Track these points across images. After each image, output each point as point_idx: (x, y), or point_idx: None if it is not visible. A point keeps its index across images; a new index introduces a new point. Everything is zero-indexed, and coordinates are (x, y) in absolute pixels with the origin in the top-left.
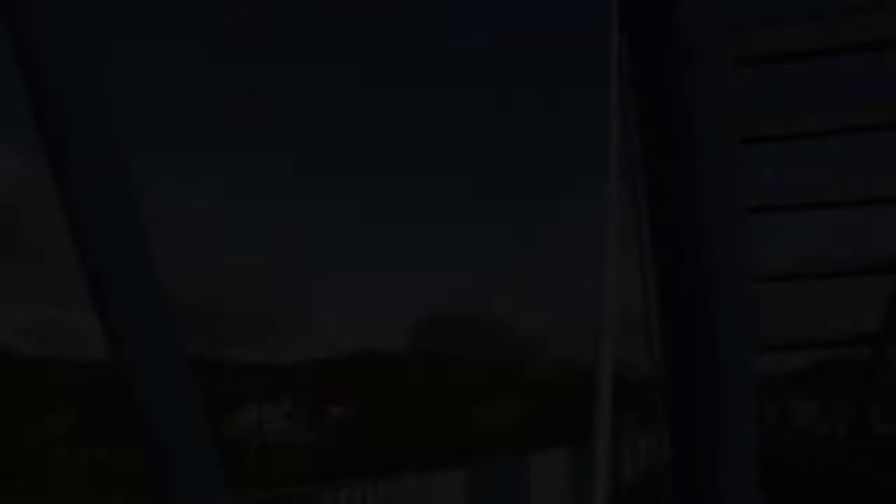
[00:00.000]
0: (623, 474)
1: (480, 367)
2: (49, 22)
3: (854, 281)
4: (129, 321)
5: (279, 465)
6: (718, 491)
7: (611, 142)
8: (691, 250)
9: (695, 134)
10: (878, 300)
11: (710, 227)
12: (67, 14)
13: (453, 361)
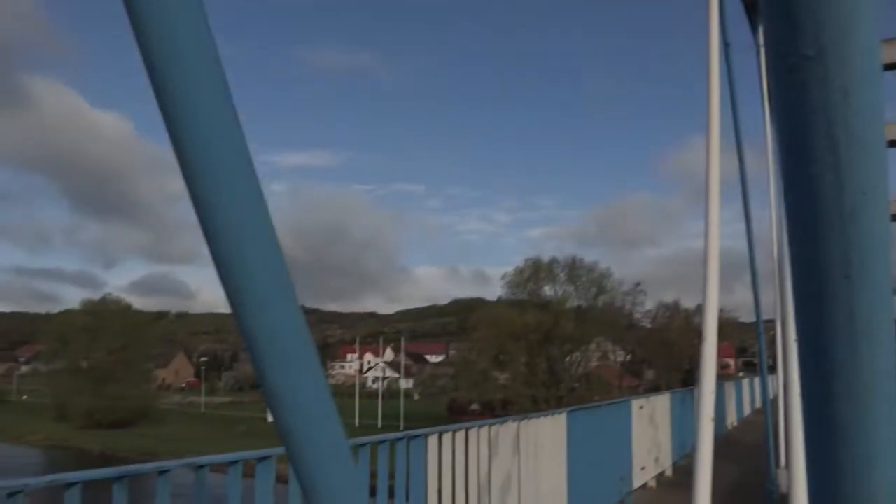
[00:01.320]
0: (726, 417)
1: (580, 311)
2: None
3: None
4: (247, 275)
5: (382, 410)
6: (855, 435)
7: (711, 77)
8: (827, 183)
9: (835, 63)
10: None
11: (850, 158)
12: None
13: (554, 307)
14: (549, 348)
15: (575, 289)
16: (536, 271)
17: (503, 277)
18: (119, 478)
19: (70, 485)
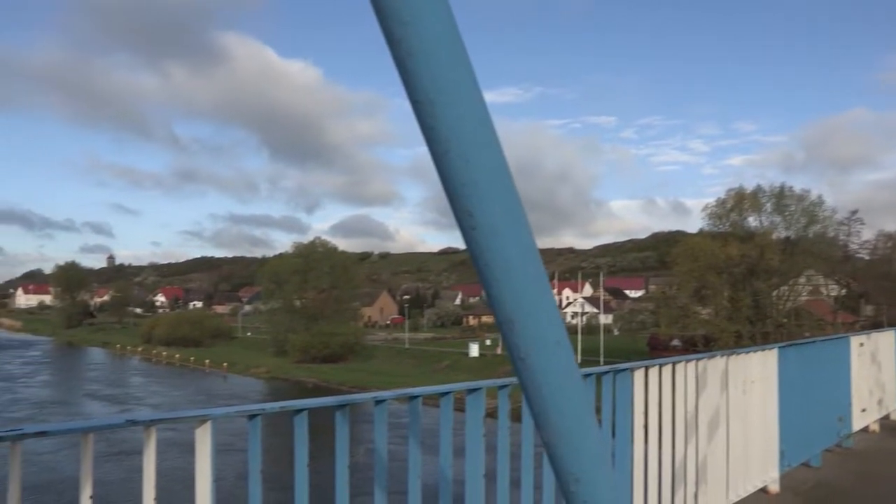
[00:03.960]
0: None
1: (788, 243)
2: None
3: None
4: (479, 200)
5: (581, 346)
6: None
7: None
8: None
9: None
10: None
11: None
12: None
13: (759, 238)
14: (754, 282)
15: (783, 219)
16: (740, 201)
17: (704, 209)
18: (341, 406)
19: (298, 411)
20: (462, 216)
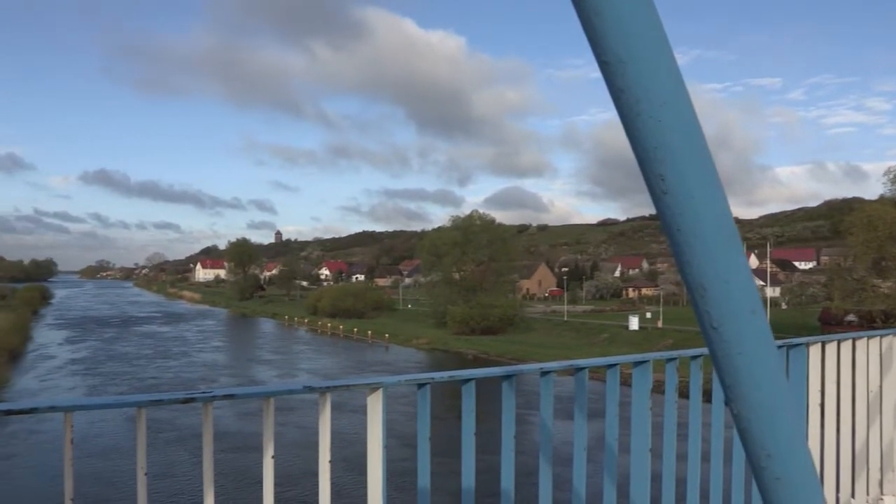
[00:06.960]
0: None
1: None
2: None
3: None
4: (671, 163)
5: None
6: None
7: None
8: None
9: None
10: None
11: None
12: None
13: None
14: None
15: None
16: None
17: (886, 173)
18: (507, 376)
19: (466, 380)
20: (653, 180)
